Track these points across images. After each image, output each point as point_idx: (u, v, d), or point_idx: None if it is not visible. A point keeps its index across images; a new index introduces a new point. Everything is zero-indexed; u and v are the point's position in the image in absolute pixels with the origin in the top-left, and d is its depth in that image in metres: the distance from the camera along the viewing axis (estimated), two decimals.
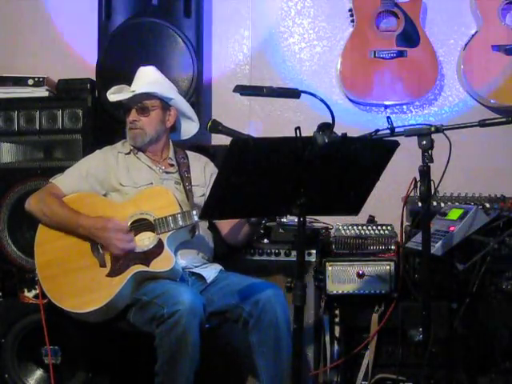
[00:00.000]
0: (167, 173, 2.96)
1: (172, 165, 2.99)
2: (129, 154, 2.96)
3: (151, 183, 2.89)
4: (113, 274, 2.67)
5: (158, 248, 2.71)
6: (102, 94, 3.40)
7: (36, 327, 3.14)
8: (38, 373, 3.20)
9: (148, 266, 2.68)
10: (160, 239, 2.72)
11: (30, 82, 3.42)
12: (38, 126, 3.29)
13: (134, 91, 2.89)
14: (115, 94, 2.92)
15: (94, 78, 3.44)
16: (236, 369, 3.08)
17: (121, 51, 3.40)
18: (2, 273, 3.28)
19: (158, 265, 2.69)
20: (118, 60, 3.40)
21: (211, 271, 2.88)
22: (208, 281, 2.83)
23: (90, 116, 3.28)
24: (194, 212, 2.72)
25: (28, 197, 2.85)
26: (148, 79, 2.96)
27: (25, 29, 3.89)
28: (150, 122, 2.91)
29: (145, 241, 2.73)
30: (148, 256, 2.70)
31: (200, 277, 2.83)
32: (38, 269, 2.75)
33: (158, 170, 2.94)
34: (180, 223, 2.73)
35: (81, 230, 2.71)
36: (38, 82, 3.42)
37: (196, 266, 2.86)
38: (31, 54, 3.87)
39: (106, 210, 2.77)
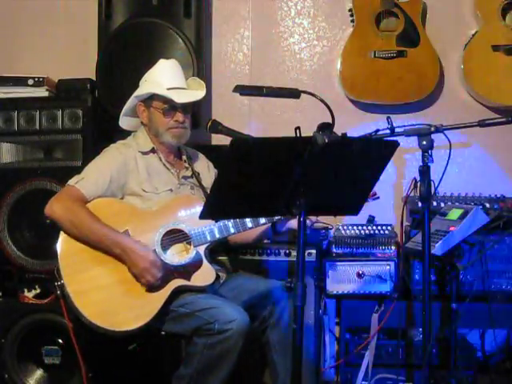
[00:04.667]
0: (184, 178, 2.90)
1: (187, 168, 2.93)
2: (147, 153, 2.85)
3: (170, 189, 2.82)
4: (153, 289, 2.59)
5: (197, 261, 2.66)
6: (102, 94, 3.41)
7: (36, 327, 3.14)
8: (38, 373, 3.21)
9: (189, 280, 2.63)
10: (198, 252, 2.66)
11: (30, 82, 3.42)
12: (38, 126, 3.28)
13: (184, 88, 2.83)
14: (179, 95, 2.79)
15: (94, 77, 3.44)
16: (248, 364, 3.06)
17: (121, 51, 3.40)
18: (1, 273, 3.28)
19: (200, 279, 2.65)
20: (118, 60, 3.40)
21: (219, 269, 2.87)
22: (221, 280, 2.83)
23: (89, 116, 3.28)
24: (230, 224, 2.69)
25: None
26: (182, 75, 2.89)
27: (25, 29, 3.89)
28: (189, 120, 2.88)
29: (183, 254, 2.67)
30: (187, 269, 2.65)
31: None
32: (66, 284, 2.58)
33: (175, 174, 2.88)
34: (217, 236, 2.69)
35: (116, 250, 2.59)
36: (38, 82, 3.41)
37: None
38: (31, 54, 3.86)
39: (135, 218, 2.69)
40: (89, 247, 2.62)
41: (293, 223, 2.75)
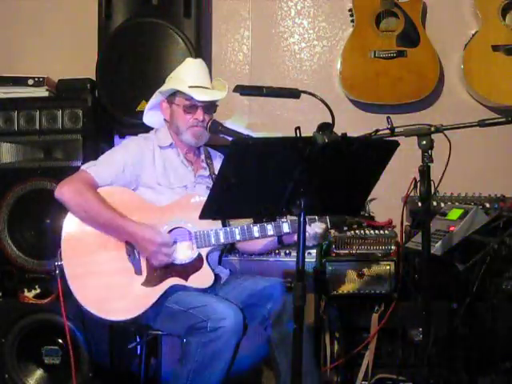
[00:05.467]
0: (201, 177, 2.88)
1: (204, 167, 2.91)
2: (166, 148, 2.84)
3: (185, 186, 2.81)
4: (148, 283, 2.59)
5: (198, 262, 2.64)
6: (102, 94, 3.41)
7: (36, 327, 3.15)
8: (38, 373, 3.21)
9: (186, 280, 2.62)
10: (200, 253, 2.65)
11: (30, 82, 3.42)
12: (38, 126, 3.28)
13: (207, 87, 2.80)
14: (200, 93, 2.77)
15: (94, 77, 3.44)
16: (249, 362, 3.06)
17: (121, 51, 3.40)
18: (1, 273, 3.28)
19: (197, 281, 2.63)
20: (118, 60, 3.40)
21: (224, 271, 2.87)
22: (222, 281, 2.82)
23: (89, 116, 3.28)
24: (237, 231, 2.67)
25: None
26: (207, 75, 2.88)
27: (25, 29, 3.89)
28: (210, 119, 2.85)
29: (185, 253, 2.66)
30: (186, 269, 2.63)
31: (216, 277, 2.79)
32: (64, 265, 2.60)
33: (192, 171, 2.87)
34: (221, 240, 2.66)
35: (124, 235, 2.61)
36: (38, 82, 3.42)
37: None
38: (31, 54, 3.87)
39: (142, 211, 2.68)
40: (94, 232, 2.63)
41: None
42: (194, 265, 2.65)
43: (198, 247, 2.66)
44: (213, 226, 2.65)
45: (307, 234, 2.67)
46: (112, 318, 2.57)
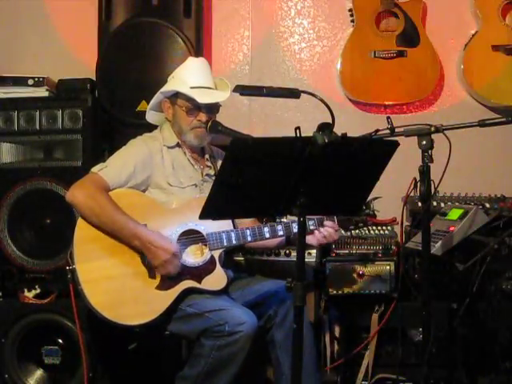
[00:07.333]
0: (208, 175, 2.87)
1: (209, 166, 2.91)
2: (173, 148, 2.83)
3: (195, 184, 2.81)
4: (162, 287, 2.57)
5: (211, 265, 2.64)
6: (102, 94, 3.41)
7: (36, 327, 3.14)
8: (38, 373, 3.21)
9: (200, 282, 2.61)
10: (212, 255, 2.64)
11: (30, 81, 3.41)
12: (38, 126, 3.28)
13: (209, 87, 2.79)
14: (202, 95, 2.74)
15: (94, 77, 3.44)
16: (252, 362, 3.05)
17: (121, 51, 3.40)
18: (1, 273, 3.28)
19: (211, 283, 2.62)
20: (118, 60, 3.40)
21: (229, 273, 2.85)
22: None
23: (89, 116, 3.27)
24: (248, 232, 2.66)
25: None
26: (209, 75, 2.86)
27: (25, 29, 3.89)
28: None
29: (197, 255, 2.65)
30: (199, 271, 2.62)
31: None
32: (77, 269, 2.54)
33: (199, 170, 2.86)
34: (233, 241, 2.65)
35: (135, 242, 2.55)
36: (38, 82, 3.41)
37: None
38: (31, 54, 3.86)
39: (154, 213, 2.66)
40: (106, 236, 2.59)
41: (309, 238, 2.70)
42: (207, 267, 2.64)
43: (210, 249, 2.64)
44: (224, 227, 2.65)
45: (321, 234, 2.69)
46: (126, 323, 2.54)
